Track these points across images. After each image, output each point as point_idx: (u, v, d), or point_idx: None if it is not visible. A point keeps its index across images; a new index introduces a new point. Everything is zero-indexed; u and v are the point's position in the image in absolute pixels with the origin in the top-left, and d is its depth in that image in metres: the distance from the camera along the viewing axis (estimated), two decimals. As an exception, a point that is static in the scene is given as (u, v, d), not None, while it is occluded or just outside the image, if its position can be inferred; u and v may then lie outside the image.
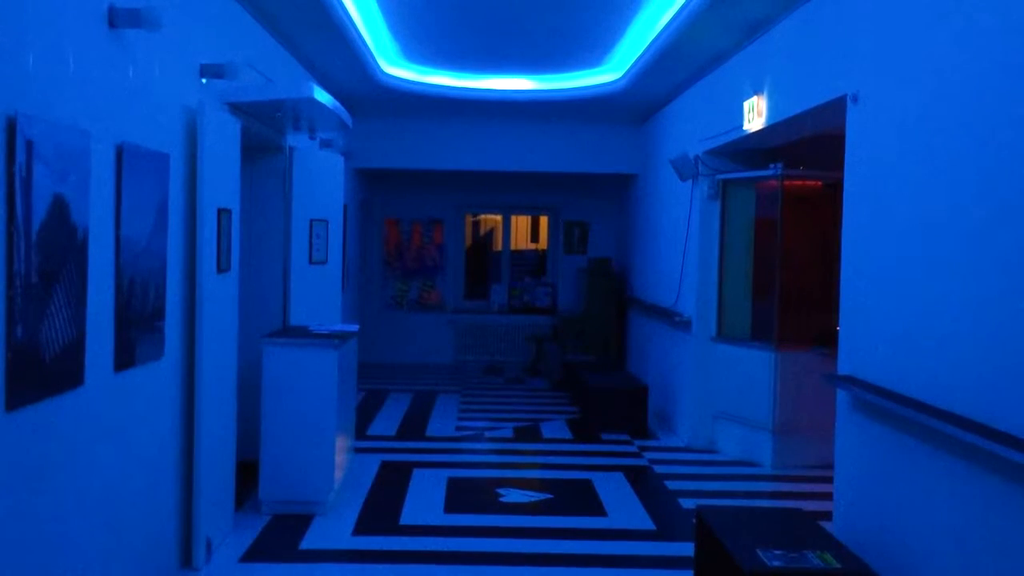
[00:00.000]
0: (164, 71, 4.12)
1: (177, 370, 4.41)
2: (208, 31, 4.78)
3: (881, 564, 3.90)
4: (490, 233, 13.06)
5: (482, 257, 12.82)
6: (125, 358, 3.71)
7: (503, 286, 12.30)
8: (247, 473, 5.64)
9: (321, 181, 6.84)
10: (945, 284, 3.57)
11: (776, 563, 3.49)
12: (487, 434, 8.04)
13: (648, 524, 5.45)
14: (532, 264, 12.69)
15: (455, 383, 10.84)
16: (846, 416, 4.52)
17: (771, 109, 5.87)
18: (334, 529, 5.23)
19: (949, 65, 3.62)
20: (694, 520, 4.35)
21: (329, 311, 6.88)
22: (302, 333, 5.72)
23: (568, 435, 8.03)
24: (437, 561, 4.74)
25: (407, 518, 5.48)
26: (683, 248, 7.93)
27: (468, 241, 12.75)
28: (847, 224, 4.62)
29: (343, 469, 6.02)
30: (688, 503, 5.83)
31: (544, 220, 12.70)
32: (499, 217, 12.67)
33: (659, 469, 6.82)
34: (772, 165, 6.83)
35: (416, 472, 6.54)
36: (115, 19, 3.51)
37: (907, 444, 3.84)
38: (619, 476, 6.57)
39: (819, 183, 6.92)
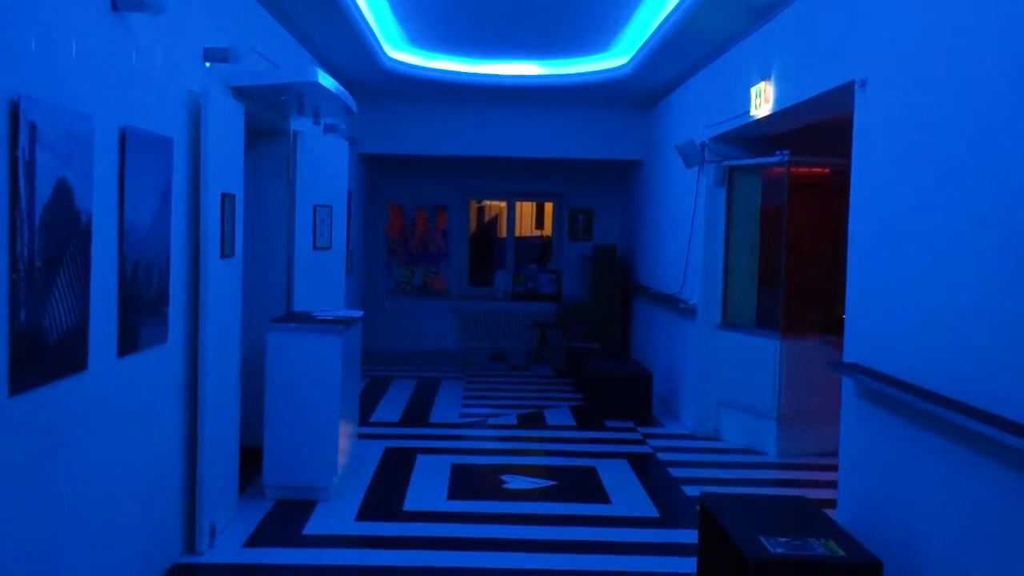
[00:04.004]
0: (167, 55, 4.10)
1: (181, 355, 4.41)
2: (212, 15, 4.75)
3: (885, 552, 3.90)
4: (494, 219, 13.02)
5: (486, 243, 12.79)
6: (128, 343, 3.70)
7: (507, 273, 12.28)
8: (251, 458, 5.65)
9: (325, 166, 6.81)
10: (952, 272, 3.55)
11: (780, 551, 3.49)
12: (491, 421, 8.04)
13: (652, 511, 5.45)
14: (537, 251, 12.66)
15: (459, 370, 10.85)
16: (851, 404, 4.51)
17: (778, 95, 5.83)
18: (337, 515, 5.24)
19: (958, 50, 3.58)
20: (698, 507, 4.35)
21: (333, 297, 6.87)
22: (306, 319, 5.71)
23: (572, 422, 8.03)
24: (440, 547, 4.75)
25: (410, 504, 5.49)
26: (688, 235, 7.91)
27: (472, 227, 12.71)
28: (854, 211, 4.59)
29: (347, 455, 6.02)
30: (692, 490, 5.83)
31: (549, 206, 12.66)
32: (504, 203, 12.63)
33: (663, 456, 6.81)
34: (779, 152, 6.80)
35: (420, 458, 6.55)
36: (118, 2, 3.49)
37: (912, 432, 3.83)
38: (623, 463, 6.57)
39: (826, 170, 6.88)
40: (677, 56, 7.37)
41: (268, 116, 5.91)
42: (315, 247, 6.72)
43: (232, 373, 4.98)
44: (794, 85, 5.56)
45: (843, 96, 4.81)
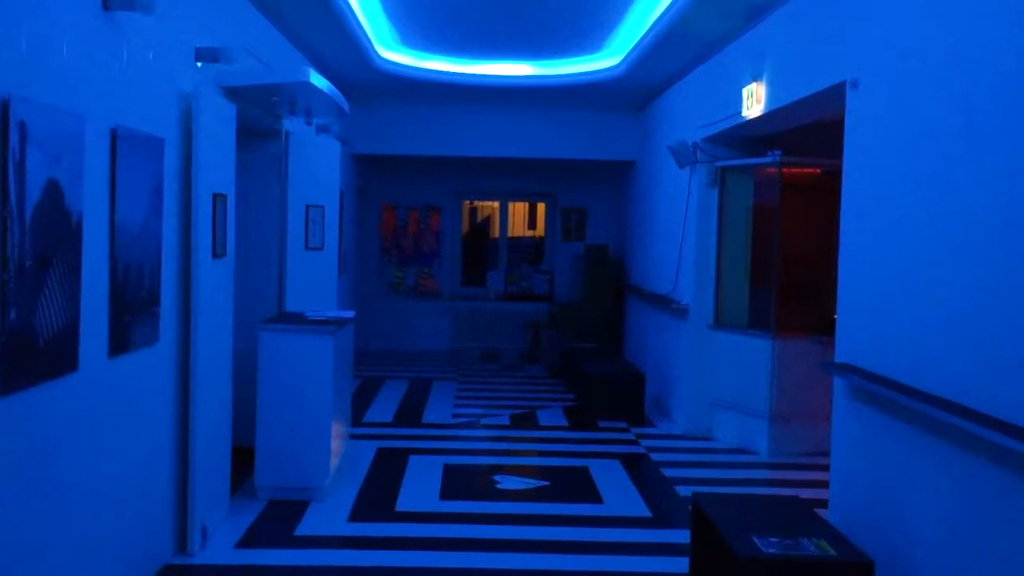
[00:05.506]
0: (159, 54, 4.09)
1: (172, 356, 4.39)
2: (203, 15, 4.74)
3: (877, 551, 3.91)
4: (487, 220, 13.02)
5: (479, 244, 12.79)
6: (120, 343, 3.69)
7: (500, 273, 12.27)
8: (243, 459, 5.63)
9: (317, 166, 6.80)
10: (942, 272, 3.56)
11: (772, 550, 3.49)
12: (483, 421, 8.03)
13: (644, 511, 5.46)
14: (529, 251, 12.66)
15: (452, 370, 10.84)
16: (843, 403, 4.52)
17: (770, 95, 5.84)
18: (330, 515, 5.23)
19: (949, 50, 3.59)
20: (690, 507, 4.35)
21: (325, 297, 6.86)
22: (298, 319, 5.70)
23: (564, 422, 8.03)
24: (433, 547, 4.74)
25: (403, 504, 5.48)
26: (681, 235, 7.92)
27: (465, 228, 12.71)
28: (845, 211, 4.60)
29: (339, 455, 6.01)
30: (684, 490, 5.84)
31: (542, 207, 12.66)
32: (496, 204, 12.63)
33: (655, 456, 6.82)
34: (770, 152, 6.81)
35: (412, 459, 6.54)
36: (109, 1, 3.48)
37: (903, 431, 3.84)
38: (615, 463, 6.57)
39: (818, 170, 6.90)
40: (669, 57, 7.38)
41: (260, 116, 5.90)
42: (307, 247, 6.71)
43: (224, 373, 4.96)
44: (786, 86, 5.57)
45: (835, 97, 4.82)
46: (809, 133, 6.66)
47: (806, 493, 5.30)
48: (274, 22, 6.32)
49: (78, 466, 3.36)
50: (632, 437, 7.48)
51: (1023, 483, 3.00)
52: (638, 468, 6.48)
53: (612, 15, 6.80)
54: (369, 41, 7.47)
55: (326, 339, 5.44)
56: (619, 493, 5.81)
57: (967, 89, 3.45)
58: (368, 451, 6.71)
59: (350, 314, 6.19)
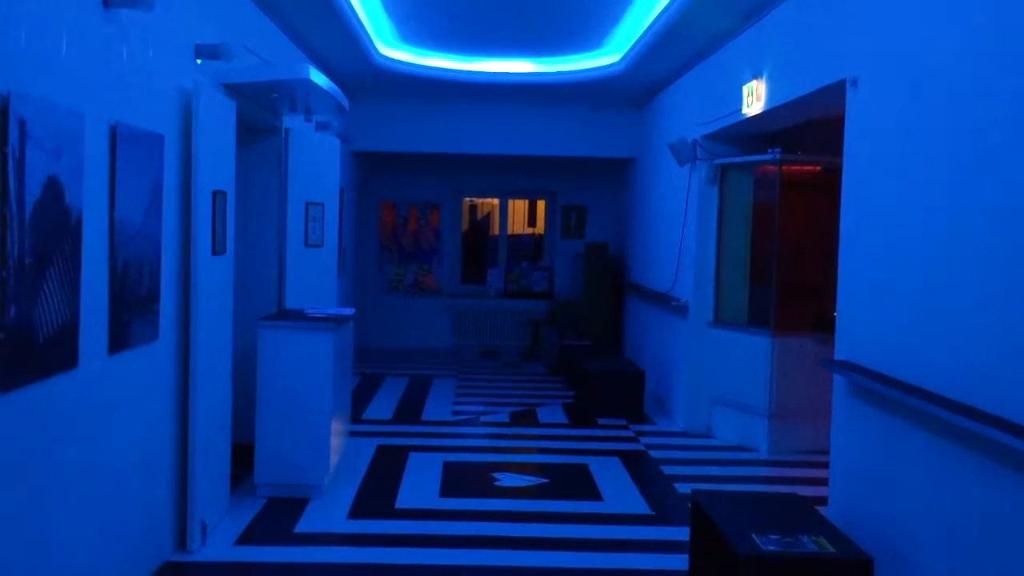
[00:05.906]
0: (159, 51, 4.08)
1: (172, 353, 4.39)
2: (203, 11, 4.74)
3: (876, 549, 3.91)
4: (487, 217, 13.01)
5: (479, 241, 12.78)
6: (119, 340, 3.69)
7: (500, 270, 12.27)
8: (242, 456, 5.63)
9: (317, 163, 6.80)
10: (942, 269, 3.56)
11: (771, 547, 3.49)
12: (483, 418, 8.04)
13: (644, 508, 5.46)
14: (529, 248, 12.66)
15: (451, 367, 10.84)
16: (842, 401, 4.52)
17: (770, 93, 5.84)
18: (329, 513, 5.23)
19: (948, 48, 3.59)
20: (690, 505, 4.36)
21: (325, 294, 6.86)
22: (298, 316, 5.70)
23: (564, 419, 8.03)
24: (432, 545, 4.74)
25: (403, 502, 5.48)
26: (681, 233, 7.92)
27: (465, 225, 12.71)
28: (845, 209, 4.60)
29: (339, 453, 6.02)
30: (684, 488, 5.84)
31: (541, 204, 12.66)
32: (496, 201, 12.63)
33: (655, 454, 6.82)
34: (770, 150, 6.81)
35: (412, 456, 6.54)
36: (109, -2, 3.48)
37: (903, 429, 3.84)
38: (615, 461, 6.57)
39: (817, 168, 6.90)
40: (669, 54, 7.38)
41: (260, 113, 5.90)
42: (307, 244, 6.71)
43: (223, 371, 4.96)
44: (786, 83, 5.57)
45: (834, 94, 4.82)
46: (809, 131, 6.66)
47: (805, 490, 5.31)
48: (274, 19, 6.31)
49: (78, 463, 3.36)
50: (632, 434, 7.48)
51: (1023, 481, 3.00)
52: (637, 465, 6.48)
53: (612, 12, 6.80)
54: (369, 38, 7.47)
55: (326, 336, 5.44)
56: (619, 490, 5.82)
57: (967, 86, 3.44)
58: (368, 448, 6.71)
59: (350, 311, 6.19)
